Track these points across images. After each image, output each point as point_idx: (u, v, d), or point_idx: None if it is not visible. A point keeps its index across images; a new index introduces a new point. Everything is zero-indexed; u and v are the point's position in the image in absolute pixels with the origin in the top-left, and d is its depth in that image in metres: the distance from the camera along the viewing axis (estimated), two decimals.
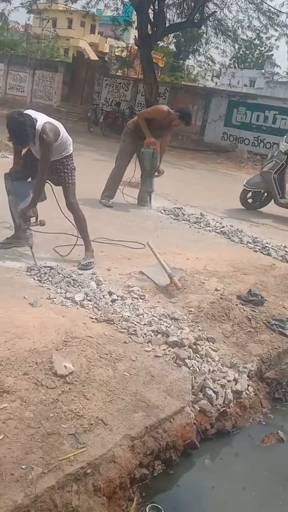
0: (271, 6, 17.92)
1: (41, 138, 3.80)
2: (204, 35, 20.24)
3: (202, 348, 3.31)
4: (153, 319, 3.51)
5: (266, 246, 5.91)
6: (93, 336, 3.10)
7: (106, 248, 4.84)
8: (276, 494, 2.68)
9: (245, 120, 17.64)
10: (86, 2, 18.91)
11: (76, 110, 21.25)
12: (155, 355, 3.12)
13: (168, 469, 2.62)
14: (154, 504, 2.35)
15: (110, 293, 3.74)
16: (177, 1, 18.11)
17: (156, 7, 16.81)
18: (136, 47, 19.11)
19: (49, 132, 3.82)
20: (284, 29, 17.52)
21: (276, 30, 17.95)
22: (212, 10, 17.86)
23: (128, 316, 3.45)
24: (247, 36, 20.51)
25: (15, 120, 3.67)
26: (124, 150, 6.82)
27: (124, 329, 3.30)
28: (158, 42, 20.29)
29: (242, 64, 33.93)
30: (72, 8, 26.58)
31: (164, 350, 3.20)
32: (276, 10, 17.18)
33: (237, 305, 4.04)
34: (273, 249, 5.87)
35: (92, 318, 3.36)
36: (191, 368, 3.07)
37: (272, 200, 7.92)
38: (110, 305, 3.58)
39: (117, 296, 3.72)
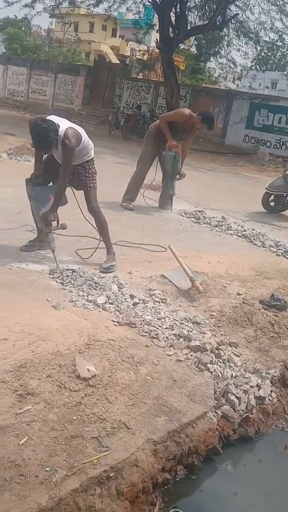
0: None
1: (64, 143, 3.84)
2: (226, 37, 20.18)
3: (224, 353, 3.29)
4: (174, 323, 3.50)
5: None
6: (115, 339, 3.11)
7: (127, 251, 4.85)
8: None
9: (267, 122, 17.53)
10: (108, 6, 19.08)
11: (97, 113, 21.40)
12: (177, 359, 3.11)
13: (190, 474, 2.61)
14: (176, 509, 2.35)
15: (132, 296, 3.74)
16: (199, 4, 18.11)
17: (178, 10, 16.84)
18: (158, 50, 19.15)
19: (71, 138, 3.85)
20: None
21: None
22: (234, 12, 17.81)
23: (150, 320, 3.45)
24: (269, 37, 20.40)
25: (38, 127, 3.72)
26: (146, 153, 6.83)
27: (146, 332, 3.30)
28: (180, 44, 20.27)
29: (264, 66, 33.58)
30: (94, 12, 26.79)
31: (186, 354, 3.19)
32: None
33: (259, 309, 4.01)
34: None
35: (114, 321, 3.37)
36: (213, 373, 3.06)
37: None
38: (132, 308, 3.58)
39: (139, 300, 3.72)
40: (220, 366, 3.16)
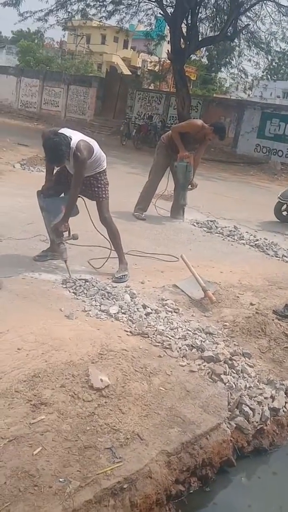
0: None
1: (76, 155, 3.88)
2: (237, 48, 20.30)
3: (238, 364, 3.27)
4: (187, 333, 3.49)
5: None
6: (128, 349, 3.10)
7: (139, 261, 4.86)
8: None
9: (278, 131, 17.52)
10: (120, 18, 19.32)
11: (109, 124, 21.57)
12: (190, 370, 3.09)
13: (204, 486, 2.58)
14: None
15: (144, 306, 3.74)
16: (210, 15, 18.26)
17: (189, 22, 16.99)
18: (169, 61, 19.30)
19: (83, 150, 3.89)
20: None
21: None
22: (245, 23, 17.91)
23: (163, 330, 3.44)
24: (280, 47, 20.47)
25: (51, 140, 3.77)
26: (157, 164, 6.87)
27: (159, 342, 3.29)
28: (191, 55, 20.41)
29: (275, 76, 33.68)
30: (106, 24, 27.12)
31: (199, 365, 3.17)
32: None
33: (273, 320, 3.98)
34: None
35: (127, 331, 3.37)
36: (227, 384, 3.03)
37: None
38: (144, 318, 3.58)
39: (151, 309, 3.72)
40: (233, 377, 3.13)
